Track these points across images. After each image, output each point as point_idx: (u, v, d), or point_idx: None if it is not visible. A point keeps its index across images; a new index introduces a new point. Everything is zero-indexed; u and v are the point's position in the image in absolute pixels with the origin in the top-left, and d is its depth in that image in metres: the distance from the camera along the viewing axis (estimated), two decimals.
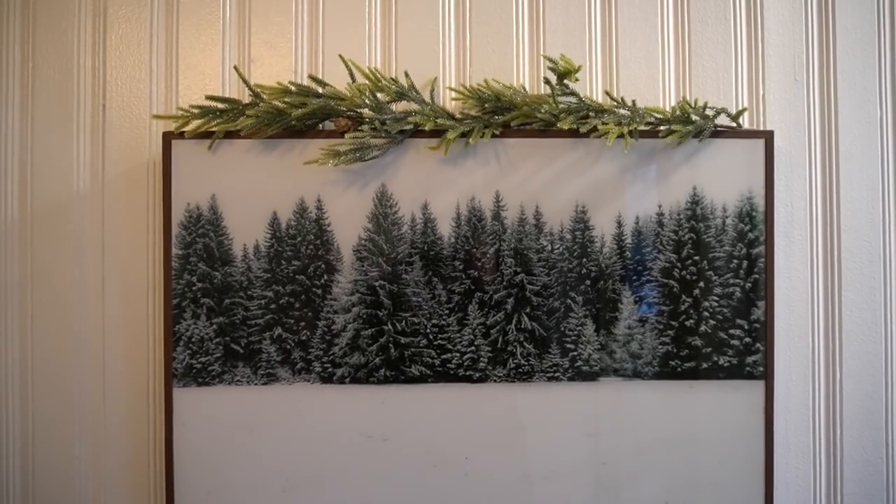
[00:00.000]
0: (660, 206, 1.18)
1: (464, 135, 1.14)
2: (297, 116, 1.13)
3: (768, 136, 1.18)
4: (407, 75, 1.19)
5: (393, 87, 1.16)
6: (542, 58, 1.21)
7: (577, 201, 1.18)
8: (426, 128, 1.13)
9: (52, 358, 1.22)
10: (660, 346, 1.19)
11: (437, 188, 1.17)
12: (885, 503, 1.24)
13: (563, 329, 1.18)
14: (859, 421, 1.24)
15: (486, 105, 1.17)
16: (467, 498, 1.18)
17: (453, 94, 1.21)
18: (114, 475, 1.22)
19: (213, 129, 1.15)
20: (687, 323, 1.19)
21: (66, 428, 1.22)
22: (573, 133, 1.15)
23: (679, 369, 1.19)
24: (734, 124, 1.19)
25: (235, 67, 1.21)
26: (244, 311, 1.17)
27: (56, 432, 1.22)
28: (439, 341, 1.18)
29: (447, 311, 1.18)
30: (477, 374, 1.18)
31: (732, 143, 1.18)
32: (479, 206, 1.18)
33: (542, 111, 1.14)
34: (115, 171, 1.22)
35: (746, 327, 1.18)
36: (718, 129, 1.17)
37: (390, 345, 1.18)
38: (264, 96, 1.16)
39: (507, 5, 1.23)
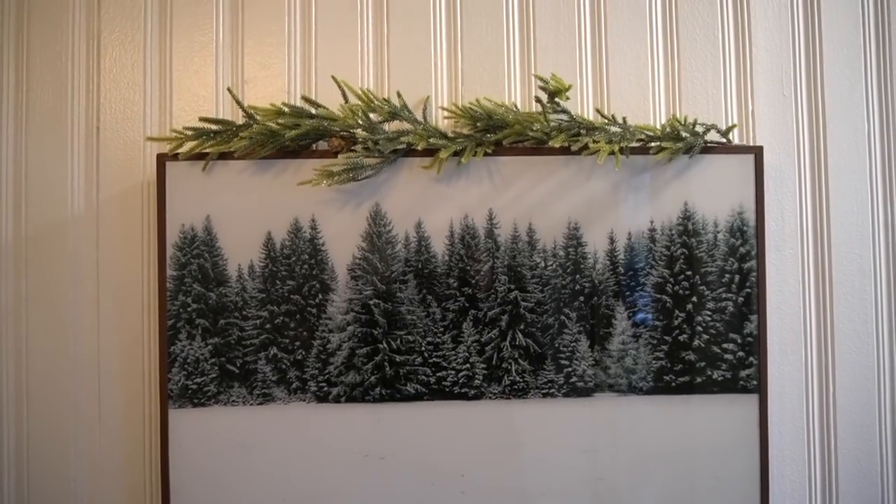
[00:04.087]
0: (652, 222, 1.19)
1: (456, 153, 1.15)
2: (291, 137, 1.14)
3: (758, 152, 1.19)
4: (399, 95, 1.20)
5: (385, 107, 1.17)
6: (533, 76, 1.23)
7: (570, 218, 1.19)
8: (419, 147, 1.14)
9: (48, 379, 1.22)
10: (654, 361, 1.19)
11: (431, 207, 1.18)
12: None
13: (557, 345, 1.19)
14: (853, 433, 1.24)
15: (479, 124, 1.18)
16: None
17: (445, 113, 1.22)
18: (110, 497, 1.21)
19: (207, 150, 1.16)
20: (680, 338, 1.19)
21: (61, 449, 1.22)
22: (565, 151, 1.16)
23: (673, 384, 1.19)
24: (724, 140, 1.20)
25: (229, 89, 1.22)
26: (239, 332, 1.18)
27: (52, 454, 1.22)
28: (434, 359, 1.18)
29: (442, 329, 1.18)
30: (472, 392, 1.18)
31: (723, 158, 1.19)
32: (473, 224, 1.18)
33: (534, 129, 1.15)
34: (110, 192, 1.22)
35: (739, 341, 1.19)
36: (708, 145, 1.18)
37: (385, 363, 1.18)
38: (258, 117, 1.17)
39: (498, 25, 1.24)
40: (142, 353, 1.21)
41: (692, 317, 1.19)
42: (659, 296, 1.19)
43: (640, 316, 1.19)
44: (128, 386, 1.21)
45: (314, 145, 1.19)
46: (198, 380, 1.17)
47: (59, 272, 1.22)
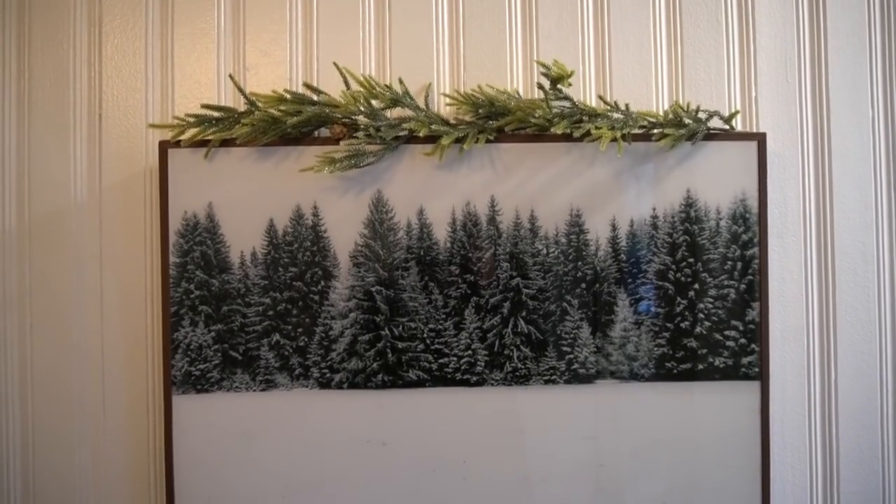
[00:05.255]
0: (654, 209, 1.19)
1: (458, 140, 1.15)
2: (293, 124, 1.14)
3: (761, 138, 1.19)
4: (401, 82, 1.20)
5: (387, 93, 1.17)
6: (535, 63, 1.22)
7: (572, 205, 1.19)
8: (421, 134, 1.14)
9: (52, 367, 1.22)
10: (656, 348, 1.19)
11: (433, 194, 1.18)
12: (880, 500, 1.24)
13: (559, 332, 1.19)
14: (855, 420, 1.24)
15: (480, 110, 1.18)
16: (466, 501, 1.18)
17: (447, 100, 1.21)
18: (114, 483, 1.22)
19: (209, 137, 1.16)
20: (682, 325, 1.19)
21: (66, 436, 1.23)
22: (567, 137, 1.16)
23: (675, 371, 1.19)
24: (727, 127, 1.19)
25: (231, 76, 1.22)
26: (242, 318, 1.18)
27: (56, 441, 1.23)
28: (436, 346, 1.18)
29: (444, 316, 1.18)
30: (474, 378, 1.19)
31: (725, 145, 1.18)
32: (475, 211, 1.18)
33: (536, 116, 1.15)
34: (112, 180, 1.23)
35: (741, 328, 1.19)
36: (711, 131, 1.18)
37: (388, 350, 1.18)
38: (259, 104, 1.17)
39: (500, 11, 1.24)
40: (145, 339, 1.22)
41: (694, 304, 1.19)
42: (661, 283, 1.19)
43: (644, 305, 1.19)
44: (131, 372, 1.22)
45: (316, 132, 1.19)
46: (201, 366, 1.17)
47: (62, 260, 1.23)
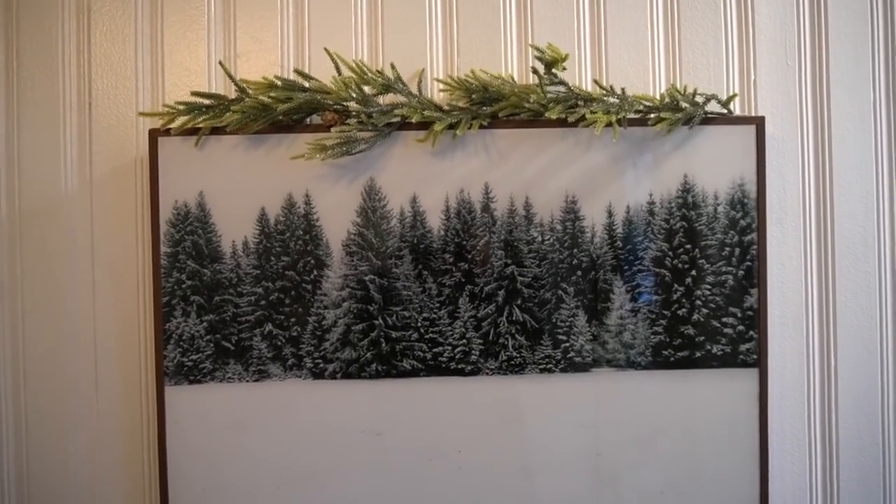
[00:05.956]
0: (651, 195, 1.17)
1: (451, 126, 1.13)
2: (283, 111, 1.12)
3: (759, 122, 1.17)
4: (393, 67, 1.18)
5: (379, 79, 1.15)
6: (529, 47, 1.20)
7: (568, 191, 1.17)
8: (413, 120, 1.12)
9: (44, 358, 1.22)
10: (652, 336, 1.18)
11: (426, 181, 1.16)
12: (880, 488, 1.23)
13: (554, 320, 1.18)
14: (855, 408, 1.23)
15: (474, 96, 1.16)
16: (461, 491, 1.17)
17: (440, 86, 1.19)
18: (108, 474, 1.22)
19: (200, 125, 1.15)
20: (679, 312, 1.18)
21: (59, 428, 1.22)
22: (562, 123, 1.14)
23: (672, 359, 1.18)
24: (724, 111, 1.17)
25: (221, 63, 1.20)
26: (234, 308, 1.17)
27: (50, 432, 1.22)
28: (430, 335, 1.17)
29: (438, 305, 1.17)
30: (469, 367, 1.17)
31: (723, 129, 1.16)
32: (469, 199, 1.17)
33: (531, 101, 1.13)
34: (103, 169, 1.21)
35: (740, 315, 1.17)
36: (709, 115, 1.16)
37: (381, 339, 1.17)
38: (250, 91, 1.15)
39: None
40: (137, 330, 1.21)
41: (691, 291, 1.18)
42: (658, 270, 1.18)
43: (644, 297, 1.17)
44: (124, 363, 1.21)
45: (308, 119, 1.17)
46: (193, 357, 1.16)
47: (53, 250, 1.22)
